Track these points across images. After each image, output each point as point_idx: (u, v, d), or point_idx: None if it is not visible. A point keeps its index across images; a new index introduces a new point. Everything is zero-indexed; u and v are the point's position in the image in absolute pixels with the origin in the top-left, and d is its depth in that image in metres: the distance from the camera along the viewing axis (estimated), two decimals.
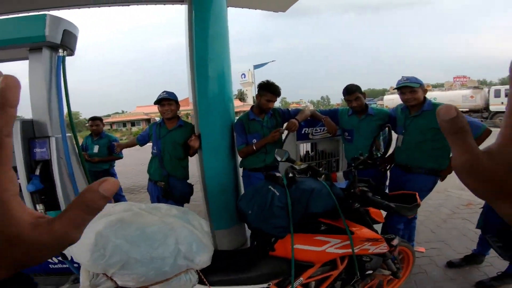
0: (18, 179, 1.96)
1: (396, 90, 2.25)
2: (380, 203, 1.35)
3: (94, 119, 3.64)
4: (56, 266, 2.25)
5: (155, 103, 2.40)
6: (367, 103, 2.47)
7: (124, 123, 39.07)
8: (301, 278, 1.41)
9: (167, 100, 2.38)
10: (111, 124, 38.71)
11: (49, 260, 2.19)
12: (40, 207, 1.91)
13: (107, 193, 0.25)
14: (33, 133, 2.06)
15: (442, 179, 2.26)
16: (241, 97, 42.30)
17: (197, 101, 2.41)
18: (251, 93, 38.89)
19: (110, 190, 0.25)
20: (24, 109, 2.20)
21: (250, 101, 36.85)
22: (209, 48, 2.42)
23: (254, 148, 2.33)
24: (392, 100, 18.12)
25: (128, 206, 1.01)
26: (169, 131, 2.45)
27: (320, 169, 1.67)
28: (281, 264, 1.39)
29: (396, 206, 1.31)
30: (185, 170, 2.54)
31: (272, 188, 1.40)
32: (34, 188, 1.87)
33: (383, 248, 1.57)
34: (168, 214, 1.14)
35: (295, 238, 1.35)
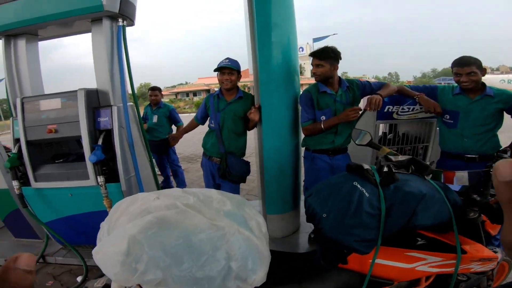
0: (82, 148, 2.02)
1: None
2: None
3: (153, 89, 3.67)
4: None
5: (215, 70, 2.18)
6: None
7: (187, 93, 41.62)
8: None
9: (228, 69, 2.13)
10: (176, 94, 41.57)
11: None
12: (100, 179, 1.93)
13: (28, 267, 0.27)
14: (98, 102, 2.08)
15: None
16: (299, 70, 40.73)
17: (258, 71, 2.12)
18: (309, 66, 37.06)
19: (30, 263, 0.28)
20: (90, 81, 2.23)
21: (307, 75, 35.17)
22: (272, 11, 2.07)
23: (323, 127, 1.97)
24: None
25: (171, 201, 0.81)
26: (229, 104, 2.23)
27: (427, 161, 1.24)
28: (350, 279, 1.15)
29: None
30: (244, 147, 2.35)
31: (359, 186, 1.06)
32: (95, 159, 1.88)
33: (489, 266, 1.20)
34: (220, 211, 0.91)
35: (380, 251, 1.04)
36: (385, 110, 2.23)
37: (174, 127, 3.83)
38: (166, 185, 3.87)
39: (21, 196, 2.08)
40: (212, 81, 36.76)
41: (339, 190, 1.10)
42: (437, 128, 2.25)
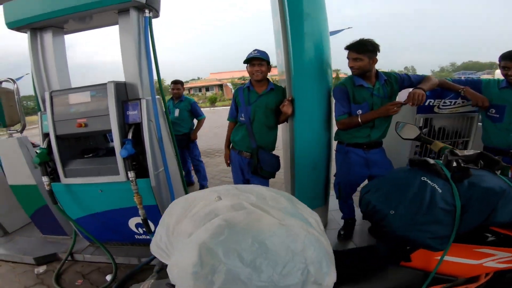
0: (112, 141, 1.99)
1: None
2: None
3: (175, 82, 3.61)
4: (140, 237, 2.31)
5: (245, 62, 2.10)
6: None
7: (199, 88, 42.05)
8: None
9: (258, 60, 2.06)
10: (189, 89, 42.03)
11: (135, 230, 2.26)
12: (131, 174, 1.88)
13: None
14: (126, 95, 2.03)
15: None
16: None
17: (291, 62, 2.04)
18: None
19: None
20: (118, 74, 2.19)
21: None
22: (304, 0, 1.99)
23: (360, 121, 1.88)
24: None
25: (236, 201, 0.72)
26: (260, 96, 2.15)
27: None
28: (413, 277, 1.08)
29: None
30: (274, 141, 2.27)
31: (429, 182, 1.01)
32: (126, 154, 1.83)
33: None
34: (279, 209, 0.82)
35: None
36: (426, 104, 2.12)
37: (195, 121, 3.78)
38: (187, 179, 3.84)
39: (51, 192, 2.06)
40: (224, 76, 36.79)
41: (406, 186, 1.03)
42: (479, 123, 2.17)
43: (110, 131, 1.95)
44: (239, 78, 32.16)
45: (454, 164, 1.04)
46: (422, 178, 1.03)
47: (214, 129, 8.99)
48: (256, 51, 2.08)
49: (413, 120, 2.15)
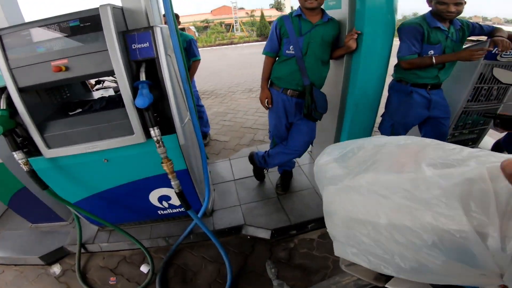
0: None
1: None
2: None
3: None
4: (165, 212, 1.89)
5: None
6: None
7: None
8: None
9: None
10: None
11: (158, 205, 1.82)
12: (155, 131, 1.35)
13: None
14: (125, 25, 1.38)
15: None
16: (278, 6, 37.79)
17: None
18: (289, 2, 35.10)
19: None
20: None
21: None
22: None
23: (434, 61, 1.76)
24: None
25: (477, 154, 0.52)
26: (315, 26, 1.73)
27: None
28: None
29: None
30: (325, 78, 1.89)
31: None
32: (147, 102, 1.26)
33: None
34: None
35: None
36: (493, 52, 2.08)
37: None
38: None
39: (33, 173, 1.41)
40: (184, 20, 33.55)
41: None
42: None
43: (109, 73, 1.34)
44: (202, 21, 30.13)
45: None
46: None
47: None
48: None
49: (479, 65, 2.08)
